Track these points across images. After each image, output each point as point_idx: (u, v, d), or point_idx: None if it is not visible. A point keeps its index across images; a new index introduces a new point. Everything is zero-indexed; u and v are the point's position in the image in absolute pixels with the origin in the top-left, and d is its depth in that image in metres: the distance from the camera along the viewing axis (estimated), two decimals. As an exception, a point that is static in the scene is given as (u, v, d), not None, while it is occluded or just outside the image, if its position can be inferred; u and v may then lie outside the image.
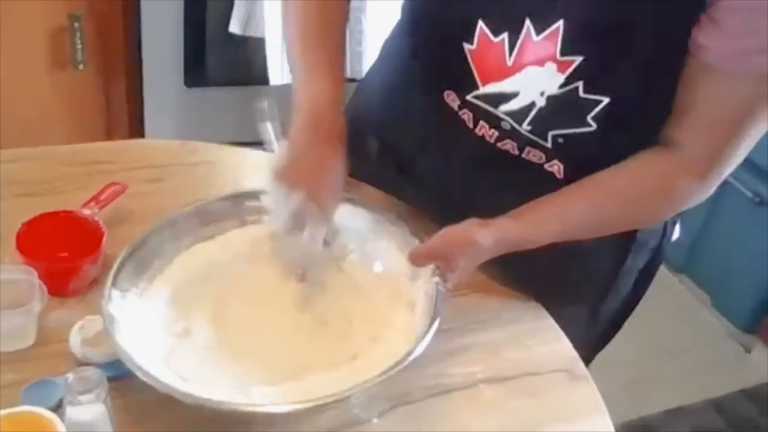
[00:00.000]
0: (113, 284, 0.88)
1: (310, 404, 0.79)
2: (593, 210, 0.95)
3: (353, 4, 2.02)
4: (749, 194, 2.22)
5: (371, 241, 1.01)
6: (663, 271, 2.45)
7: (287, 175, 0.92)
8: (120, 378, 0.83)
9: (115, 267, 0.90)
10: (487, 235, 0.91)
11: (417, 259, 0.93)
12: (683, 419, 2.07)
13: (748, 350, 2.33)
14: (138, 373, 0.79)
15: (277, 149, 0.96)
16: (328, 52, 1.02)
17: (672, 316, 2.38)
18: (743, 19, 0.80)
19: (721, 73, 0.84)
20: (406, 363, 0.83)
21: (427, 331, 0.86)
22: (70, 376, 0.76)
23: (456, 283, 0.92)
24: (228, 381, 0.85)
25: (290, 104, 0.98)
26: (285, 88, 1.99)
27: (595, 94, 0.90)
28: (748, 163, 2.26)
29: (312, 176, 0.93)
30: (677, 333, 2.35)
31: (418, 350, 0.84)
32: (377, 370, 0.82)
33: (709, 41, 0.82)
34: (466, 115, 1.01)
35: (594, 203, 0.94)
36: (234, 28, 2.03)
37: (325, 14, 1.03)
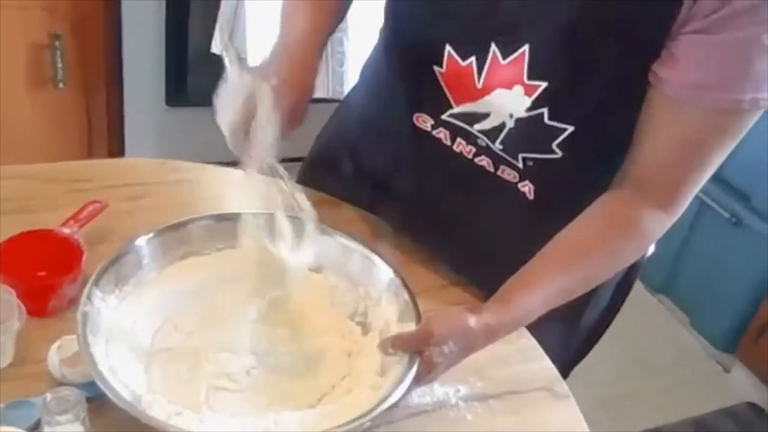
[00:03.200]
0: (95, 284, 0.88)
1: None
2: (572, 273, 0.93)
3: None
4: (727, 215, 2.24)
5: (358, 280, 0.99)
6: (642, 291, 2.49)
7: (259, 70, 0.93)
8: (99, 398, 0.82)
9: (98, 269, 0.89)
10: (478, 321, 0.87)
11: (403, 346, 0.86)
12: (663, 439, 2.08)
13: (726, 370, 2.35)
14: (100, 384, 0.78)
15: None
16: (315, 13, 1.02)
17: (651, 336, 2.39)
18: (701, 55, 0.82)
19: (676, 105, 0.85)
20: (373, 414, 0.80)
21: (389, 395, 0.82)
22: (48, 396, 0.75)
23: (445, 371, 0.88)
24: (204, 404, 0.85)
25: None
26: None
27: (559, 121, 0.92)
28: (725, 185, 2.31)
29: (282, 77, 0.92)
30: (656, 352, 2.36)
31: (391, 400, 0.81)
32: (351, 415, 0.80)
33: (667, 74, 0.84)
34: (442, 134, 1.02)
35: (571, 267, 0.92)
36: (216, 48, 2.04)
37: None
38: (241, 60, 0.92)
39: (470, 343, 0.87)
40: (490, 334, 0.88)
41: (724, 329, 2.35)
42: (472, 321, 0.86)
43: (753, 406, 2.19)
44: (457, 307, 0.91)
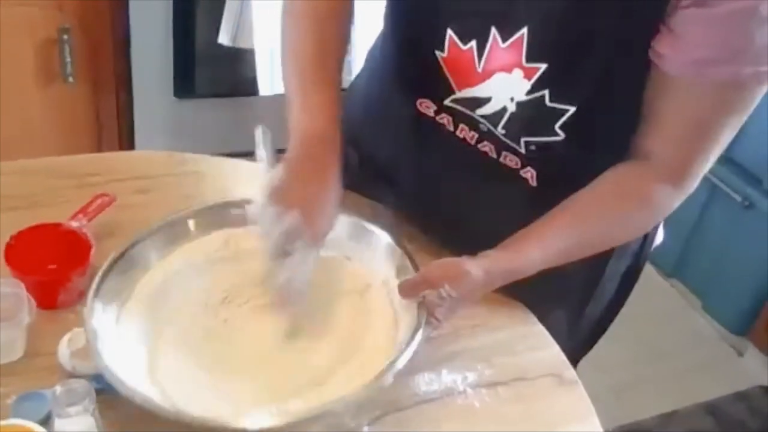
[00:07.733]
0: (96, 296, 0.89)
1: (292, 419, 0.80)
2: (577, 234, 0.95)
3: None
4: (738, 198, 2.23)
5: (353, 250, 1.02)
6: (654, 275, 2.48)
7: (283, 196, 0.90)
8: (109, 390, 0.83)
9: (97, 279, 0.90)
10: (477, 266, 0.90)
11: (407, 291, 0.92)
12: (676, 423, 2.08)
13: (740, 353, 2.34)
14: (121, 390, 0.79)
15: (272, 170, 0.93)
16: (326, 79, 1.00)
17: (663, 320, 2.39)
18: (700, 30, 0.81)
19: (679, 82, 0.85)
20: (386, 375, 0.83)
21: (409, 343, 0.86)
22: (58, 389, 0.76)
23: (447, 317, 0.91)
24: (213, 396, 0.86)
25: (282, 117, 0.98)
26: (274, 99, 2.00)
27: (561, 102, 0.91)
28: (737, 167, 2.30)
29: (307, 200, 0.91)
30: (669, 337, 2.36)
31: (400, 363, 0.84)
32: (358, 383, 0.82)
33: (667, 51, 0.84)
34: (446, 119, 1.02)
35: (576, 228, 0.95)
36: (223, 39, 2.04)
37: (324, 32, 1.03)
38: (272, 158, 0.94)
39: (468, 287, 0.90)
40: (489, 280, 0.91)
41: (737, 312, 2.34)
42: (468, 265, 0.90)
43: (766, 390, 2.18)
44: (458, 258, 0.93)
